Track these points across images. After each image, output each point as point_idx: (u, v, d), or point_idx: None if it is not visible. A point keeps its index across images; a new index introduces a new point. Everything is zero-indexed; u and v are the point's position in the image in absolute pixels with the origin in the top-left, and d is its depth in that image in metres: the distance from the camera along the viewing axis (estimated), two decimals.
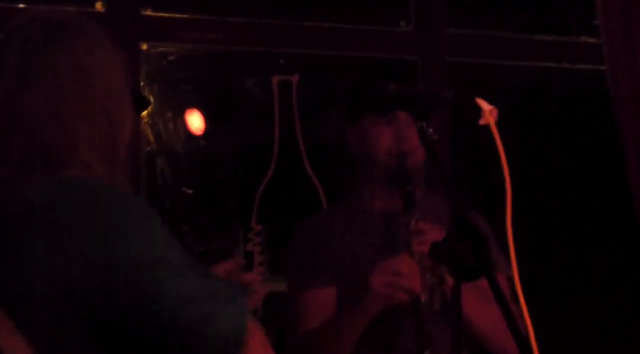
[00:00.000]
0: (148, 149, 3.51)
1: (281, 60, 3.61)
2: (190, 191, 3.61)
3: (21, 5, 3.24)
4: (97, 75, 1.82)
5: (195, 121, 3.61)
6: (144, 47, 3.46)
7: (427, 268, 2.44)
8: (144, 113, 3.27)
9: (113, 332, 1.67)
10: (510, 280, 2.59)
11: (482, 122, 1.81)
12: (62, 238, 1.66)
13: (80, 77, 1.81)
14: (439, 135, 1.96)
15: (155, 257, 1.65)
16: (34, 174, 1.74)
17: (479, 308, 2.36)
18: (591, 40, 3.79)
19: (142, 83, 3.44)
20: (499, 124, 1.83)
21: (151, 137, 3.52)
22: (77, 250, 1.65)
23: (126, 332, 1.67)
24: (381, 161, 2.61)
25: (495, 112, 1.81)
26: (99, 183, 1.74)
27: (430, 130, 1.87)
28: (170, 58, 3.54)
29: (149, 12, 3.44)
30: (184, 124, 3.59)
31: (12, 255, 1.69)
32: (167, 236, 1.70)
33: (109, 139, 1.81)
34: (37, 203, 1.70)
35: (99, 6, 3.37)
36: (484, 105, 1.82)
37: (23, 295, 1.67)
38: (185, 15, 3.49)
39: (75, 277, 1.64)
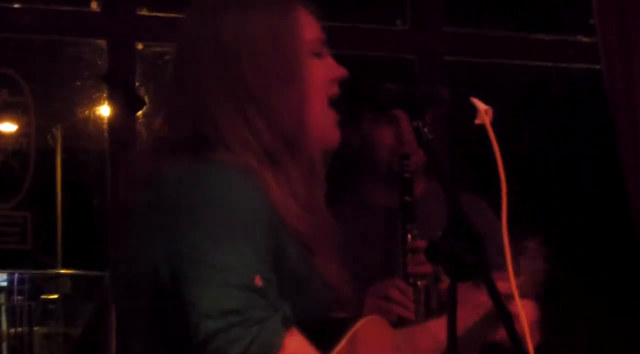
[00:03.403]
0: None
1: None
2: None
3: (17, 5, 3.24)
4: (245, 52, 1.69)
5: None
6: (140, 46, 3.45)
7: (422, 290, 2.43)
8: (139, 113, 3.27)
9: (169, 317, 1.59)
10: None
11: (477, 121, 1.81)
12: (160, 220, 1.61)
13: (222, 57, 1.70)
14: (435, 133, 1.96)
15: (202, 256, 1.54)
16: (177, 159, 1.66)
17: None
18: (587, 39, 3.79)
19: (137, 83, 3.43)
20: (494, 122, 1.83)
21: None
22: (164, 228, 1.60)
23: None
24: (383, 160, 2.59)
25: (490, 111, 1.80)
26: (207, 165, 1.63)
27: (426, 129, 1.87)
28: (166, 58, 3.54)
29: (144, 12, 3.44)
30: None
31: (132, 237, 1.68)
32: (237, 240, 1.56)
33: (255, 123, 1.69)
34: (165, 186, 1.64)
35: (94, 5, 3.36)
36: (480, 105, 1.81)
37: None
38: (180, 15, 3.47)
39: (158, 256, 1.60)
